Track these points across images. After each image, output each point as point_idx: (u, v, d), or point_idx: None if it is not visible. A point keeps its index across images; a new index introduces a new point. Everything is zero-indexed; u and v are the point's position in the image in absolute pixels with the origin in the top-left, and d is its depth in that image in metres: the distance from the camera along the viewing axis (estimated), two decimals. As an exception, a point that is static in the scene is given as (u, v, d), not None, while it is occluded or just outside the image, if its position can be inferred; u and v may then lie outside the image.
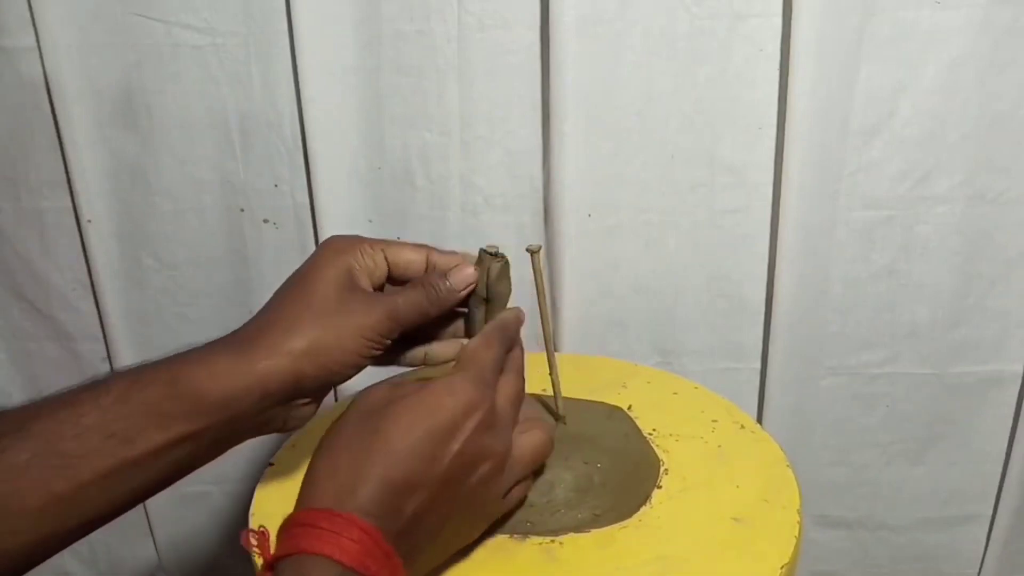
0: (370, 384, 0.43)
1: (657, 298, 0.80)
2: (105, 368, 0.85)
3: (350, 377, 0.45)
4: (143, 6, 0.72)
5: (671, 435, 0.57)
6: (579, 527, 0.48)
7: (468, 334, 0.49)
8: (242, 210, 0.79)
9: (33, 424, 0.38)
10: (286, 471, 0.53)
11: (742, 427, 0.58)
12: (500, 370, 0.44)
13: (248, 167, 0.77)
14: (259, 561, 0.37)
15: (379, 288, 0.48)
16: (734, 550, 0.46)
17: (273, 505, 0.50)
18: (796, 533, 0.47)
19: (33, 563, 0.39)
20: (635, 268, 0.79)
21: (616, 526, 0.48)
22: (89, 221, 0.78)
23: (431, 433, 0.38)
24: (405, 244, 0.48)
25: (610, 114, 0.73)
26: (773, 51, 0.71)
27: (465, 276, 0.47)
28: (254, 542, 0.37)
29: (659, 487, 0.51)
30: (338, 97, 0.74)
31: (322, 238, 0.77)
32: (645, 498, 0.50)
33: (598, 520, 0.48)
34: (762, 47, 0.71)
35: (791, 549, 0.46)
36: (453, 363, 0.45)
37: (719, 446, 0.56)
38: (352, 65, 0.73)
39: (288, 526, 0.36)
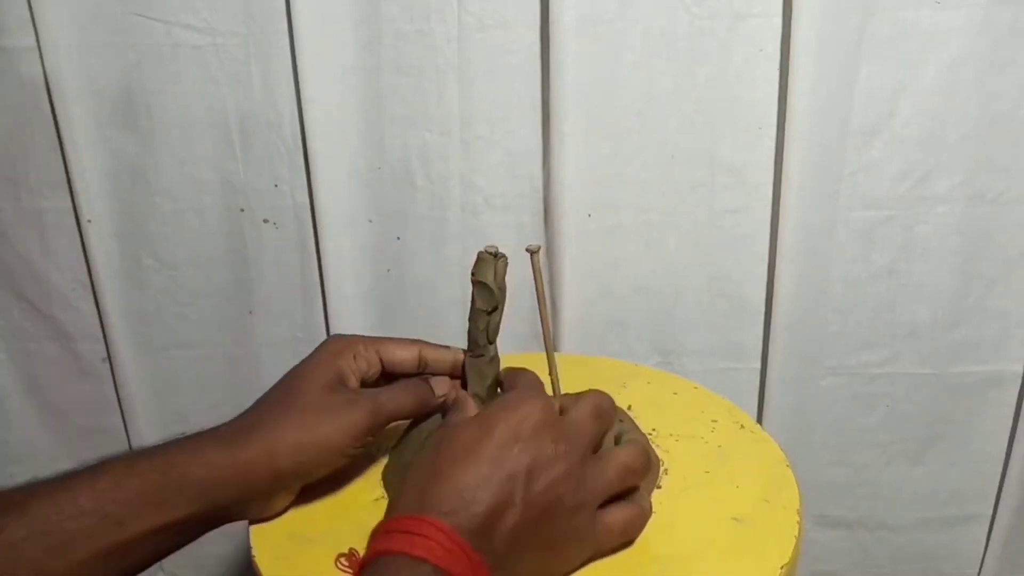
0: None
1: (657, 298, 0.80)
2: (105, 369, 0.85)
3: (329, 470, 0.47)
4: (143, 6, 0.72)
5: (671, 435, 0.56)
6: None
7: (471, 342, 0.50)
8: (242, 210, 0.79)
9: (31, 504, 0.40)
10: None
11: (742, 427, 0.58)
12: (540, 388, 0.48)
13: (248, 167, 0.77)
14: None
15: (372, 385, 0.50)
16: (735, 550, 0.46)
17: (269, 530, 0.50)
18: (796, 533, 0.47)
19: None
20: (635, 268, 0.79)
21: None
22: (89, 221, 0.78)
23: (489, 438, 0.41)
24: (398, 343, 0.51)
25: (610, 114, 0.73)
26: (773, 51, 0.71)
27: (443, 386, 0.50)
28: (345, 563, 0.41)
29: (659, 487, 0.51)
30: (338, 97, 0.74)
31: (322, 238, 0.77)
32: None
33: None
34: (762, 47, 0.71)
35: (791, 549, 0.46)
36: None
37: (719, 446, 0.56)
38: (352, 65, 0.73)
39: (372, 536, 0.39)
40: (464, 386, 0.51)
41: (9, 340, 0.85)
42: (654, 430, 0.57)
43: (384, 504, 0.49)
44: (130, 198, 0.79)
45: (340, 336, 0.50)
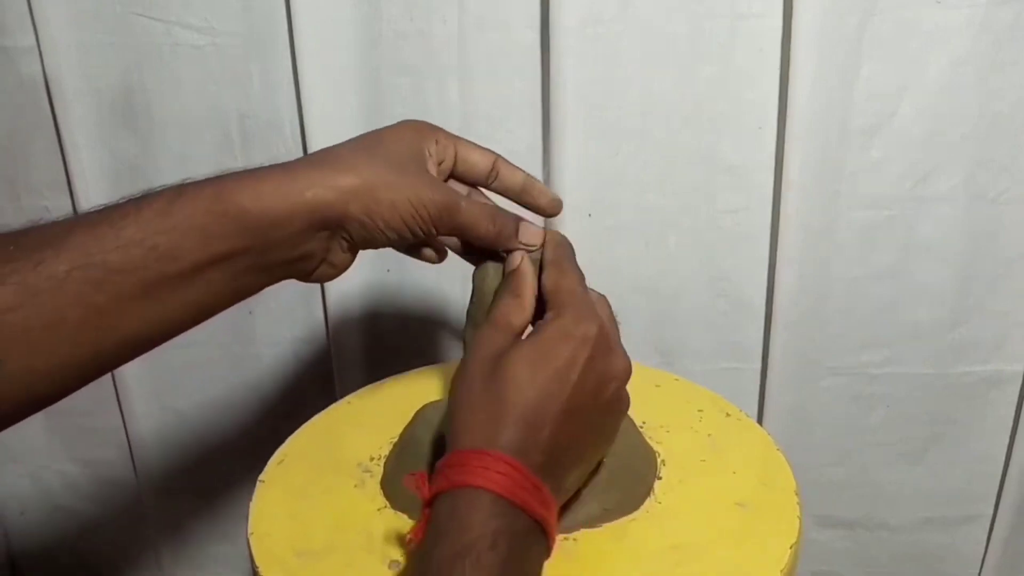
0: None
1: (657, 298, 0.80)
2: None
3: (384, 245, 0.44)
4: (143, 6, 0.72)
5: (661, 427, 0.57)
6: (590, 522, 0.48)
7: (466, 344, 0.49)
8: (242, 210, 0.79)
9: (70, 237, 0.37)
10: (275, 484, 0.53)
11: (727, 415, 0.59)
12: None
13: (248, 167, 0.77)
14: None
15: (443, 180, 0.48)
16: (744, 534, 0.48)
17: (269, 519, 0.50)
18: (798, 513, 0.48)
19: (70, 388, 0.39)
20: (635, 268, 0.79)
21: (626, 519, 0.49)
22: (89, 221, 0.78)
23: (553, 373, 0.40)
24: (475, 147, 0.48)
25: (610, 114, 0.73)
26: (773, 51, 0.71)
27: (533, 235, 0.47)
28: (414, 485, 0.39)
29: (659, 478, 0.52)
30: (338, 97, 0.74)
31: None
32: (649, 489, 0.51)
33: (608, 514, 0.48)
34: (762, 47, 0.71)
35: (796, 529, 0.47)
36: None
37: (709, 435, 0.57)
38: (352, 65, 0.73)
39: (441, 468, 0.38)
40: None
41: (9, 340, 0.85)
42: (644, 423, 0.57)
43: (387, 514, 0.49)
44: (130, 198, 0.79)
45: (420, 121, 0.47)
